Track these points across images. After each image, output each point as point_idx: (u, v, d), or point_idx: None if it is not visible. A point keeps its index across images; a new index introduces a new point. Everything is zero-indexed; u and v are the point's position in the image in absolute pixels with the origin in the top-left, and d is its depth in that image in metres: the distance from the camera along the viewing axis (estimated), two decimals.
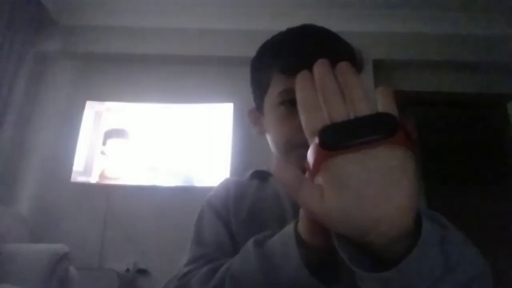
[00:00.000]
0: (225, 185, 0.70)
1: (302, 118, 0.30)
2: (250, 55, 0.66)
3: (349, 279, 0.45)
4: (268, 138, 0.65)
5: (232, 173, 2.35)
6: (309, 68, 0.36)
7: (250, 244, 0.47)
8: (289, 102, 0.57)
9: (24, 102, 2.53)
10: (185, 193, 2.36)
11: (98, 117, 2.58)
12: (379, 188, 0.26)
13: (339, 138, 0.27)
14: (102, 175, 2.45)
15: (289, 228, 0.43)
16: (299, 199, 0.29)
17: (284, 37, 0.62)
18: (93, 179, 2.44)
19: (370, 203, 0.26)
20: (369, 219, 0.27)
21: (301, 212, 0.41)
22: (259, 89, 0.65)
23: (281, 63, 0.58)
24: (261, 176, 0.70)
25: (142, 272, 2.30)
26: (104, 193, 2.43)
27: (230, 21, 2.74)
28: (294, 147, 0.57)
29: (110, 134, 2.54)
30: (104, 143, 2.51)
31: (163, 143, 2.51)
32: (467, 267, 0.36)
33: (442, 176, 2.88)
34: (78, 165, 2.45)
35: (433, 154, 2.82)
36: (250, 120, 0.71)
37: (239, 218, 0.62)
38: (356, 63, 0.62)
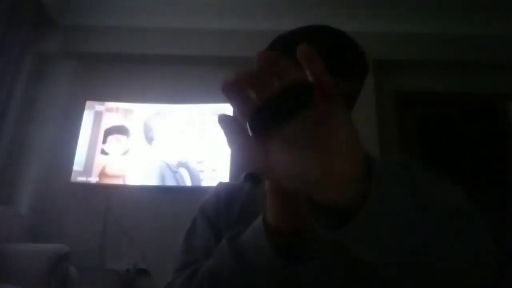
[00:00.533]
0: (216, 190, 0.70)
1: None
2: (250, 55, 0.66)
3: (320, 258, 0.48)
4: None
5: (231, 174, 2.35)
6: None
7: (224, 240, 0.49)
8: None
9: (24, 102, 2.53)
10: (185, 193, 2.36)
11: (98, 117, 2.58)
12: (316, 147, 0.28)
13: (261, 124, 0.28)
14: (102, 173, 2.45)
15: (258, 219, 0.46)
16: (241, 151, 0.30)
17: (299, 33, 0.61)
18: (93, 179, 2.44)
19: (313, 158, 0.27)
20: (314, 172, 0.27)
21: (268, 201, 0.44)
22: None
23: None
24: (254, 178, 0.69)
25: (142, 272, 2.30)
26: (104, 193, 2.43)
27: (230, 21, 2.74)
28: None
29: (110, 131, 2.54)
30: (104, 141, 2.52)
31: (163, 143, 2.51)
32: (444, 202, 0.35)
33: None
34: (78, 165, 2.45)
35: (432, 154, 2.82)
36: None
37: (230, 222, 0.62)
38: (364, 65, 0.62)
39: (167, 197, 2.40)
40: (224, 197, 0.66)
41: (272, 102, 0.28)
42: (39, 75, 2.72)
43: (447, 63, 2.73)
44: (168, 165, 2.45)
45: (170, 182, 2.43)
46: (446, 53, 2.71)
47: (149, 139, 2.53)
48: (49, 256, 1.77)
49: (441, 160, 2.92)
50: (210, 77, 2.70)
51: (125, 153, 2.49)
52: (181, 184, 2.42)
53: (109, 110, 2.60)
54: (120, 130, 2.54)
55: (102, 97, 2.63)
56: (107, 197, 2.42)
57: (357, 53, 0.61)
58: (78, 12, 2.76)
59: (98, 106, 2.60)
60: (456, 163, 2.86)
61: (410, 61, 2.73)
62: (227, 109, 2.45)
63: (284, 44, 0.59)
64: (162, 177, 2.44)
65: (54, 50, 2.73)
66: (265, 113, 0.28)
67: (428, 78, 2.77)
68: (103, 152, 2.49)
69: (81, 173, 2.44)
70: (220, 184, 0.73)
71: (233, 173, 2.34)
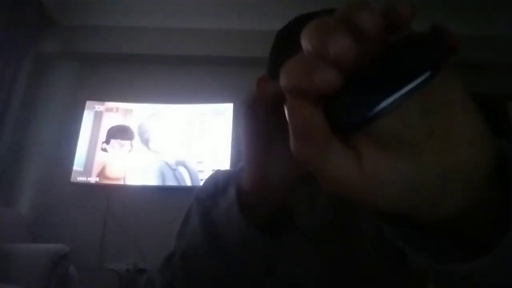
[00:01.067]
0: (214, 177, 0.66)
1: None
2: (250, 55, 0.66)
3: (300, 230, 0.44)
4: None
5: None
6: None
7: (196, 217, 0.44)
8: None
9: (24, 102, 2.53)
10: (185, 193, 2.36)
11: (98, 117, 2.58)
12: (435, 137, 0.18)
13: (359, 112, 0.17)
14: (102, 174, 2.45)
15: (231, 190, 0.40)
16: (323, 162, 0.18)
17: (322, 10, 0.57)
18: (93, 179, 2.44)
19: (429, 159, 0.18)
20: (433, 178, 0.18)
21: (246, 168, 0.39)
22: (280, 58, 0.54)
23: None
24: None
25: (142, 272, 2.30)
26: (104, 193, 2.43)
27: (230, 21, 2.74)
28: None
29: (113, 134, 2.53)
30: (107, 142, 2.51)
31: (163, 143, 2.51)
32: None
33: None
34: (78, 165, 2.45)
35: None
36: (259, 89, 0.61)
37: None
38: None
39: (167, 197, 2.40)
40: (222, 184, 0.62)
41: (375, 73, 0.17)
42: (39, 75, 2.72)
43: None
44: (167, 163, 2.45)
45: (170, 180, 2.43)
46: None
47: (145, 141, 2.52)
48: (49, 256, 1.76)
49: None
50: (210, 77, 2.71)
51: (126, 155, 2.49)
52: (181, 182, 2.42)
53: (109, 110, 2.60)
54: (123, 133, 2.52)
55: (102, 97, 2.63)
56: (107, 197, 2.42)
57: None
58: (78, 12, 2.76)
59: (98, 106, 2.60)
60: None
61: None
62: (227, 109, 2.45)
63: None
64: (162, 175, 2.44)
65: (54, 50, 2.73)
66: (358, 93, 0.17)
67: None
68: (105, 150, 2.48)
69: (81, 173, 2.44)
70: (218, 171, 0.69)
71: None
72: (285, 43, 0.58)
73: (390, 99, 0.17)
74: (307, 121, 0.18)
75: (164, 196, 2.42)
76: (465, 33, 2.71)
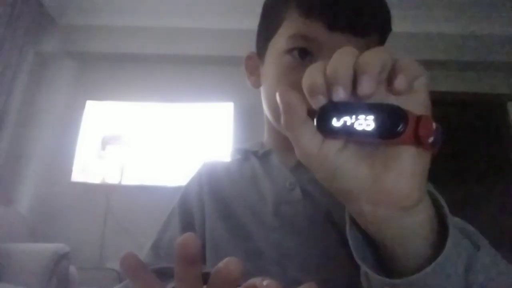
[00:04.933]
0: (197, 173, 0.62)
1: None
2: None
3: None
4: (263, 95, 0.55)
5: None
6: (331, 12, 0.37)
7: (176, 223, 0.44)
8: (298, 52, 0.46)
9: (24, 102, 2.53)
10: None
11: (98, 116, 2.58)
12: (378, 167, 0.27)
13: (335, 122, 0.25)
14: (102, 174, 2.44)
15: None
16: (298, 135, 0.26)
17: None
18: (93, 179, 2.43)
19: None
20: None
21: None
22: (266, 30, 0.53)
23: (300, 0, 0.47)
24: (243, 154, 0.61)
25: None
26: (104, 193, 2.43)
27: (230, 21, 2.74)
28: None
29: (108, 141, 2.52)
30: (103, 149, 2.50)
31: (163, 143, 2.51)
32: None
33: (442, 176, 2.87)
34: (78, 164, 2.45)
35: (432, 154, 2.81)
36: (247, 68, 0.61)
37: (212, 205, 0.55)
38: (389, 23, 0.55)
39: (167, 197, 2.39)
40: (206, 178, 0.58)
41: (350, 105, 0.25)
42: (39, 75, 2.72)
43: (447, 63, 2.73)
44: (166, 163, 2.45)
45: (169, 180, 2.43)
46: (446, 53, 2.71)
47: (148, 139, 2.52)
48: (49, 256, 1.76)
49: (441, 160, 2.92)
50: (210, 76, 2.71)
51: (124, 159, 2.48)
52: (181, 182, 2.42)
53: (108, 109, 2.60)
54: (117, 139, 2.51)
55: (102, 97, 2.63)
56: (107, 197, 2.42)
57: (376, 6, 0.52)
58: (78, 12, 2.76)
59: (98, 106, 2.60)
60: (456, 163, 2.86)
61: None
62: (227, 108, 2.45)
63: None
64: (162, 175, 2.43)
65: (54, 50, 2.72)
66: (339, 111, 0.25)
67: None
68: (102, 157, 2.48)
69: (81, 173, 2.44)
70: (204, 164, 0.64)
71: None
72: (270, 12, 0.54)
73: (343, 131, 0.25)
74: (295, 104, 0.26)
75: (164, 196, 2.41)
76: (465, 33, 2.71)
